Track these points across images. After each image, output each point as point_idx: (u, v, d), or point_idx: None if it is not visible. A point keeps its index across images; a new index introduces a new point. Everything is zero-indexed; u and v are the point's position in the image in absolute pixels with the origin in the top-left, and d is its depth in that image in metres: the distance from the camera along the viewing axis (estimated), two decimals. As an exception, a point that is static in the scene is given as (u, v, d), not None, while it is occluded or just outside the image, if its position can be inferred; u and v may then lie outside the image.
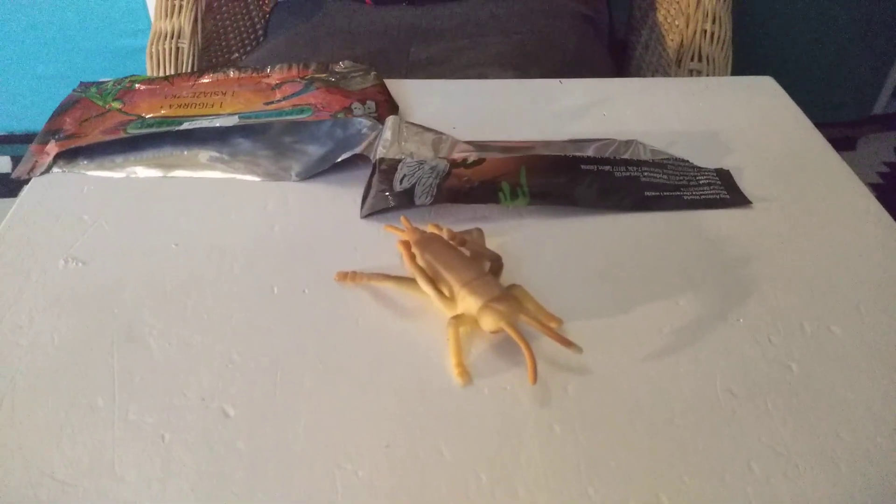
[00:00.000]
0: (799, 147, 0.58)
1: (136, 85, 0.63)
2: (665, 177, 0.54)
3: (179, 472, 0.35)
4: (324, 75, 0.64)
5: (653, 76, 0.93)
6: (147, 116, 0.58)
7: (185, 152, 0.56)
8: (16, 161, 1.67)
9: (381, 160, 0.53)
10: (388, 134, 0.55)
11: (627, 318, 0.43)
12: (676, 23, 0.88)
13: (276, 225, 0.50)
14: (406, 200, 0.50)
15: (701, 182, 0.54)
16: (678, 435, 0.37)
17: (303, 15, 0.95)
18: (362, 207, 0.51)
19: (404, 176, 0.52)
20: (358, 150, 0.54)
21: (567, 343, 0.39)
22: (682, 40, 0.83)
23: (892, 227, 0.50)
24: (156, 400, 0.38)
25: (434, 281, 0.43)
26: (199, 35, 0.83)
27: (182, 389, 0.39)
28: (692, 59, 0.80)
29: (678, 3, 0.89)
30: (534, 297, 0.43)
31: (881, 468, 0.36)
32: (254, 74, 0.64)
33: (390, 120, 0.57)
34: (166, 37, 0.83)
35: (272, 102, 0.60)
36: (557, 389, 0.39)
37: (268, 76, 0.64)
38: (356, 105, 0.59)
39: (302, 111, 0.58)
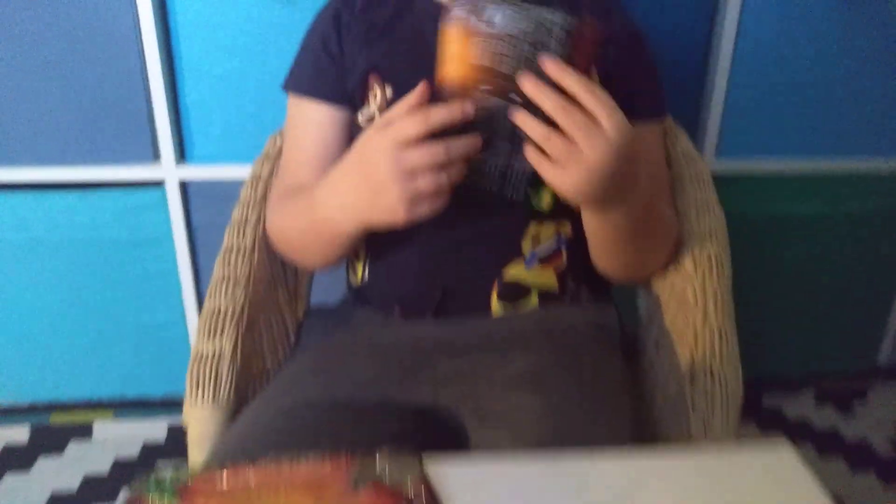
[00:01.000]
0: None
1: None
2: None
3: None
4: None
5: (665, 381, 0.97)
6: None
7: None
8: (35, 432, 1.65)
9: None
10: None
11: None
12: (685, 333, 0.94)
13: None
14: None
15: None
16: None
17: (334, 324, 1.02)
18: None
19: None
20: None
21: None
22: (692, 356, 0.88)
23: None
24: None
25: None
26: (239, 357, 0.89)
27: None
28: (705, 375, 0.85)
29: (684, 314, 0.96)
30: None
31: None
32: None
33: None
34: (207, 359, 0.88)
35: None
36: None
37: None
38: None
39: None
